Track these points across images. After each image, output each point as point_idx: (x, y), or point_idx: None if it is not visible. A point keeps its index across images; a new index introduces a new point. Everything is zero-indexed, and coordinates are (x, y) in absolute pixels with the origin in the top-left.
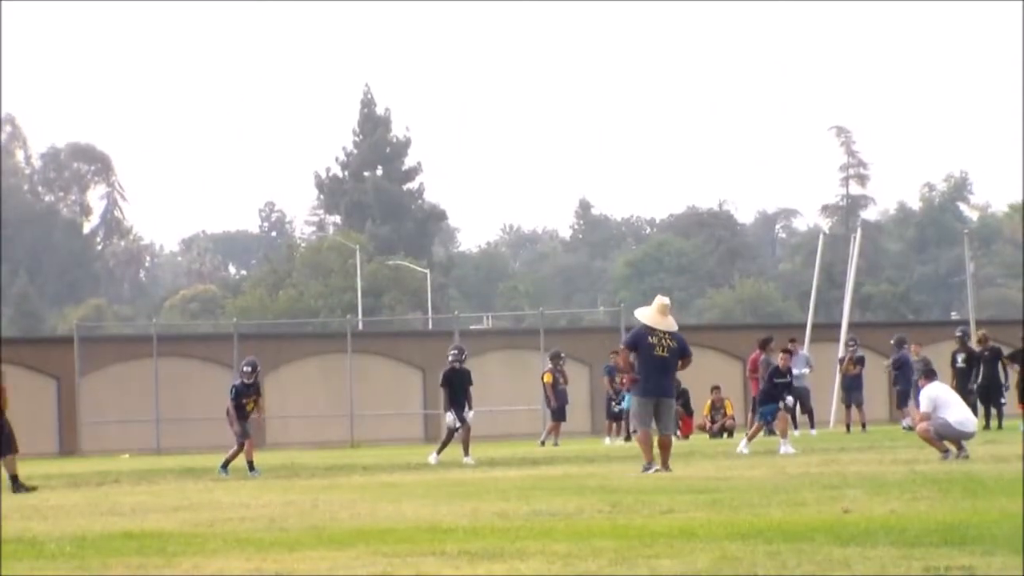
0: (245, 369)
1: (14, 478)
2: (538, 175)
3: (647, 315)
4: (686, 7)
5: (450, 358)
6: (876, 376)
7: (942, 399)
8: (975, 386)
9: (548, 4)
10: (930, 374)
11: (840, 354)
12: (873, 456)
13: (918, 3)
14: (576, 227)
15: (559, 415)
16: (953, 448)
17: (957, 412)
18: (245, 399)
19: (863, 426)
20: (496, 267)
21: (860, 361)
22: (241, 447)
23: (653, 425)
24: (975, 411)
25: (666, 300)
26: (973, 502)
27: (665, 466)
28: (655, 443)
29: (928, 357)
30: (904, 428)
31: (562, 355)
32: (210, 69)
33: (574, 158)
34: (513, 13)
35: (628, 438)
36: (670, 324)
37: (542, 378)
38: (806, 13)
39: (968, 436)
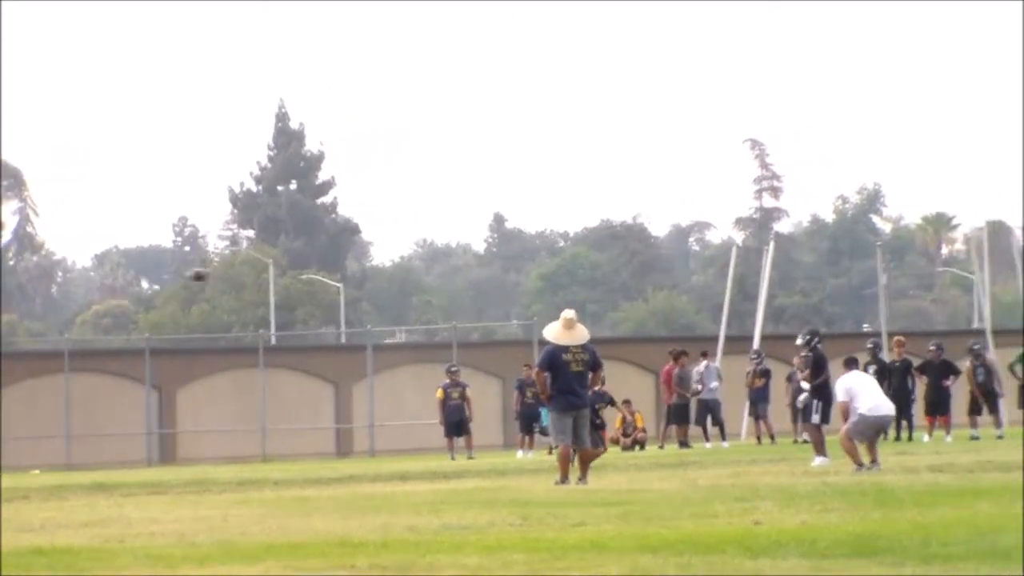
0: (453, 370)
1: None
2: (452, 189)
3: (556, 334)
4: (598, 18)
5: None
6: (785, 388)
7: (856, 388)
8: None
9: (459, 18)
10: (850, 363)
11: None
12: (784, 468)
13: (828, 16)
14: (490, 240)
15: (450, 430)
16: (866, 461)
17: (868, 399)
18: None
19: (772, 438)
20: (409, 281)
21: (765, 374)
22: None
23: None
24: None
25: (571, 313)
26: (884, 513)
27: (584, 479)
28: (575, 458)
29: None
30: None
31: (452, 368)
32: (123, 83)
33: (488, 172)
34: (424, 28)
35: (551, 451)
36: (580, 335)
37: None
38: (718, 26)
39: (884, 422)
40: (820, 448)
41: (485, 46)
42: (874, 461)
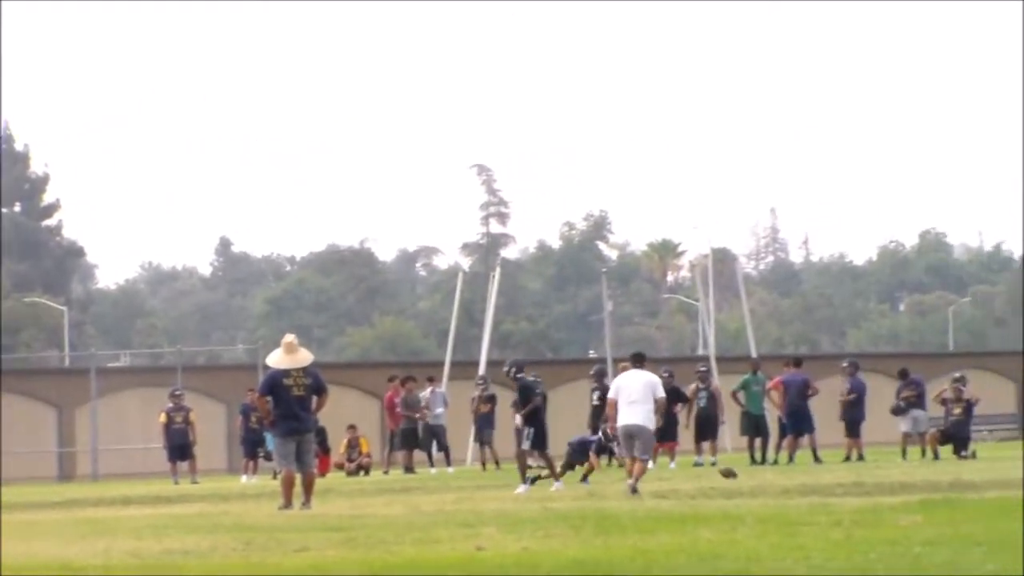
0: (177, 393)
1: None
2: (177, 211)
3: (277, 359)
4: (321, 40)
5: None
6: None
7: (621, 389)
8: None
9: (182, 34)
10: (636, 358)
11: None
12: (508, 494)
13: (550, 40)
14: (216, 264)
15: (173, 454)
16: (639, 486)
17: (621, 413)
18: None
19: (497, 463)
20: (134, 304)
21: (490, 399)
22: None
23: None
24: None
25: (291, 337)
26: (605, 539)
27: (308, 503)
28: (297, 483)
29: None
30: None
31: (176, 392)
32: None
33: (214, 194)
34: (146, 46)
35: (275, 476)
36: (302, 359)
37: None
38: (443, 49)
39: (629, 430)
40: (523, 474)
41: (209, 66)
42: (634, 490)
